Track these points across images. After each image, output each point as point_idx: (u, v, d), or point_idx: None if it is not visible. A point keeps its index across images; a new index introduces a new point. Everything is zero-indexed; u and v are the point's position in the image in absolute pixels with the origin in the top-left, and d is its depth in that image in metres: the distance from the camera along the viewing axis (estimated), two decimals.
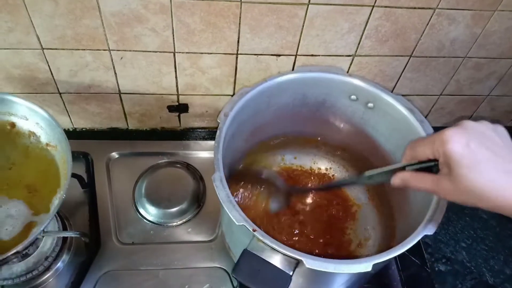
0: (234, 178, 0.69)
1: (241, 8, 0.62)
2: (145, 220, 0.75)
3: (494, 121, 0.44)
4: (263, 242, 0.49)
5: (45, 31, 0.64)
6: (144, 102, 0.79)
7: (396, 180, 0.48)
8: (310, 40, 0.68)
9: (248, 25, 0.65)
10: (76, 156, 0.77)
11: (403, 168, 0.48)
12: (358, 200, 0.77)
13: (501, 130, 0.43)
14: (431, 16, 0.66)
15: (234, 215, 0.50)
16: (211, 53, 0.69)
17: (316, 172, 0.81)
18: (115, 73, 0.72)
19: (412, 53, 0.72)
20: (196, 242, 0.73)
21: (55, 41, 0.65)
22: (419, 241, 0.50)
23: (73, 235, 0.69)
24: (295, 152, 0.81)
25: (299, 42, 0.68)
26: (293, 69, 0.73)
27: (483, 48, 0.73)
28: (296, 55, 0.71)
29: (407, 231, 0.52)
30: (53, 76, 0.71)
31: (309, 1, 0.62)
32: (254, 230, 0.49)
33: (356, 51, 0.71)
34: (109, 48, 0.67)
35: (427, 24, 0.67)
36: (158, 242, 0.72)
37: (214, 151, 0.56)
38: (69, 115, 0.80)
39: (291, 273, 0.47)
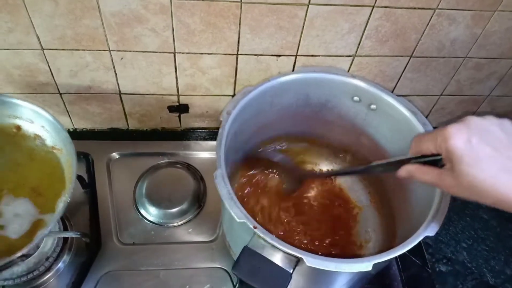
0: (248, 163, 0.72)
1: (241, 8, 0.62)
2: (145, 221, 0.75)
3: (500, 115, 0.44)
4: (264, 239, 0.48)
5: (45, 31, 0.64)
6: (145, 103, 0.79)
7: (402, 172, 0.49)
8: (310, 40, 0.68)
9: (248, 25, 0.65)
10: (77, 156, 0.77)
11: (409, 160, 0.48)
12: (360, 202, 0.77)
13: (507, 125, 0.43)
14: (431, 17, 0.66)
15: (235, 212, 0.50)
16: (211, 54, 0.69)
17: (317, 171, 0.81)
18: (115, 74, 0.72)
19: (413, 53, 0.72)
20: (197, 243, 0.73)
21: (55, 41, 0.65)
22: (419, 242, 0.50)
23: (73, 236, 0.69)
24: (297, 154, 0.81)
25: (299, 42, 0.68)
26: (293, 70, 0.73)
27: (484, 49, 0.73)
28: (296, 56, 0.71)
29: (408, 233, 0.52)
30: (53, 77, 0.71)
31: (309, 1, 0.62)
32: (255, 227, 0.49)
33: (356, 52, 0.71)
34: (109, 48, 0.67)
35: (427, 25, 0.67)
36: (158, 242, 0.72)
37: (216, 148, 0.56)
38: (69, 116, 0.80)
39: (291, 271, 0.47)
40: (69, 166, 0.63)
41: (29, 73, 0.70)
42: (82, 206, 0.74)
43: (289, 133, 0.77)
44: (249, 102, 0.63)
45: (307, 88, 0.69)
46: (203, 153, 0.85)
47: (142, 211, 0.76)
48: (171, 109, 0.81)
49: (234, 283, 0.68)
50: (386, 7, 0.63)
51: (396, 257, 0.51)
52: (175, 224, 0.75)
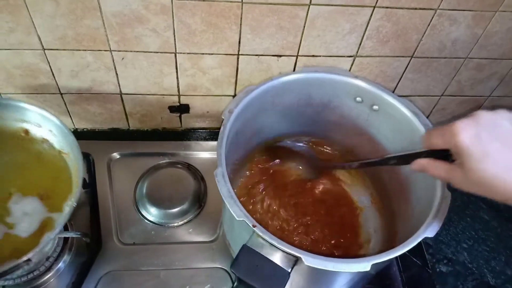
0: (266, 153, 0.75)
1: (242, 8, 0.62)
2: (146, 221, 0.75)
3: None
4: (263, 238, 0.49)
5: (46, 32, 0.64)
6: (145, 103, 0.79)
7: (415, 165, 0.49)
8: (311, 40, 0.68)
9: (249, 25, 0.65)
10: None
11: (421, 154, 0.48)
12: (361, 203, 0.77)
13: None
14: (432, 17, 0.66)
15: (234, 210, 0.50)
16: (212, 54, 0.69)
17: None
18: (116, 74, 0.72)
19: (413, 53, 0.72)
20: (197, 243, 0.73)
21: (56, 41, 0.65)
22: (420, 242, 0.50)
23: (74, 236, 0.69)
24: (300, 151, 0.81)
25: (300, 42, 0.68)
26: (294, 70, 0.73)
27: (485, 49, 0.73)
28: (297, 56, 0.71)
29: (408, 234, 0.52)
30: (54, 77, 0.71)
31: (310, 1, 0.62)
32: (254, 226, 0.49)
33: (357, 52, 0.71)
34: (110, 48, 0.67)
35: (428, 25, 0.67)
36: (159, 242, 0.72)
37: (217, 146, 0.56)
38: (70, 116, 0.80)
39: (289, 270, 0.47)
40: (76, 170, 0.63)
41: (30, 73, 0.70)
42: (82, 206, 0.74)
43: (291, 133, 0.77)
44: (251, 101, 0.63)
45: (309, 88, 0.69)
46: (203, 153, 0.85)
47: (143, 211, 0.76)
48: (172, 109, 0.81)
49: (233, 280, 0.68)
50: (387, 7, 0.63)
51: (396, 258, 0.51)
52: (175, 224, 0.75)
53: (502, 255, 0.73)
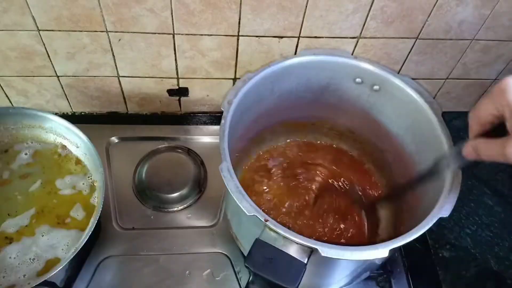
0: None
1: None
2: (145, 205, 0.74)
3: None
4: (276, 232, 0.48)
5: (41, 12, 0.62)
6: (144, 86, 0.77)
7: (467, 150, 0.43)
8: (314, 21, 0.66)
9: (249, 5, 0.63)
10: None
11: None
12: None
13: None
14: None
15: (244, 206, 0.49)
16: (211, 35, 0.67)
17: (320, 149, 0.80)
18: (113, 56, 0.70)
19: (419, 35, 0.70)
20: (197, 228, 0.72)
21: (51, 22, 0.64)
22: None
23: None
24: (299, 138, 0.80)
25: (302, 23, 0.66)
26: (295, 52, 0.72)
27: (492, 30, 0.71)
28: (299, 37, 0.69)
29: (416, 217, 0.51)
30: (50, 59, 0.70)
31: None
32: (266, 220, 0.48)
33: (361, 33, 0.69)
34: (106, 29, 0.65)
35: (434, 5, 0.65)
36: (158, 227, 0.72)
37: (219, 140, 0.55)
38: (67, 99, 0.79)
39: (305, 261, 0.47)
40: (98, 203, 0.64)
41: (26, 55, 0.69)
42: None
43: (291, 118, 0.76)
44: (250, 89, 0.62)
45: (308, 72, 0.68)
46: (203, 137, 0.84)
47: (142, 196, 0.75)
48: (171, 92, 0.79)
49: (236, 271, 0.67)
50: None
51: None
52: (175, 209, 0.74)
53: (506, 240, 0.72)
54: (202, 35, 0.67)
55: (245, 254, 0.61)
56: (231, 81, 0.78)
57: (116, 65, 0.72)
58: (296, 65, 0.66)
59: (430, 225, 0.49)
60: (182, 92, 0.79)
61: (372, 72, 0.65)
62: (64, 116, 0.71)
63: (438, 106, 0.60)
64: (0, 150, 0.69)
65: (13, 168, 0.68)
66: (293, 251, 0.47)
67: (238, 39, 0.69)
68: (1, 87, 0.75)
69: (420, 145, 0.63)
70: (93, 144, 0.64)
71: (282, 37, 0.69)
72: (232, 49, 0.70)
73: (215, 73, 0.75)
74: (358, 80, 0.66)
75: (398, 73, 0.64)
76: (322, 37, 0.69)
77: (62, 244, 0.61)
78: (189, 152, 0.81)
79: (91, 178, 0.68)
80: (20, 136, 0.69)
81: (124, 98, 0.80)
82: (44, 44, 0.67)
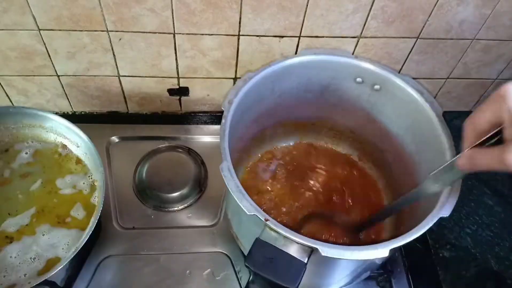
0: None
1: None
2: (146, 205, 0.74)
3: None
4: (276, 231, 0.48)
5: (41, 12, 0.62)
6: (144, 86, 0.77)
7: (461, 161, 0.41)
8: (314, 20, 0.66)
9: (250, 5, 0.63)
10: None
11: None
12: None
13: None
14: None
15: (245, 205, 0.49)
16: (212, 35, 0.67)
17: (320, 151, 0.80)
18: (114, 55, 0.70)
19: (419, 34, 0.70)
20: (198, 227, 0.72)
21: (52, 22, 0.64)
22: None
23: None
24: (300, 138, 0.80)
25: (303, 23, 0.66)
26: (296, 51, 0.71)
27: (492, 30, 0.71)
28: (299, 37, 0.69)
29: (416, 217, 0.51)
30: (50, 58, 0.70)
31: None
32: (266, 220, 0.48)
33: (361, 33, 0.69)
34: (107, 29, 0.65)
35: (435, 5, 0.65)
36: (159, 227, 0.72)
37: (220, 140, 0.55)
38: (68, 98, 0.79)
39: (305, 261, 0.47)
40: (98, 202, 0.64)
41: (26, 55, 0.69)
42: None
43: (291, 118, 0.76)
44: (250, 89, 0.62)
45: (309, 71, 0.67)
46: (204, 137, 0.84)
47: (142, 195, 0.75)
48: (171, 92, 0.79)
49: (237, 271, 0.67)
50: None
51: None
52: (175, 208, 0.74)
53: (506, 240, 0.72)
54: (202, 34, 0.67)
55: (246, 253, 0.61)
56: (232, 80, 0.78)
57: (116, 65, 0.72)
58: (297, 64, 0.66)
59: (430, 225, 0.49)
60: (182, 91, 0.79)
61: (373, 72, 0.65)
62: (65, 115, 0.71)
63: (439, 106, 0.60)
64: (0, 149, 0.69)
65: (14, 168, 0.68)
66: (293, 250, 0.47)
67: (238, 39, 0.69)
68: (2, 86, 0.75)
69: (420, 145, 0.63)
70: (93, 143, 0.64)
71: (282, 36, 0.69)
72: (232, 49, 0.70)
73: (216, 72, 0.75)
74: (358, 79, 0.66)
75: (399, 72, 0.64)
76: (323, 37, 0.69)
77: (63, 244, 0.61)
78: (190, 151, 0.81)
79: (91, 178, 0.68)
80: (20, 136, 0.69)
81: (124, 97, 0.80)
82: (44, 44, 0.67)
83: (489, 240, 0.72)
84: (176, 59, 0.72)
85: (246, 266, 0.47)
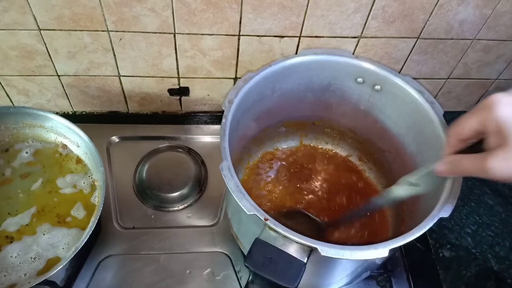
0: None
1: None
2: (146, 205, 0.74)
3: None
4: (276, 231, 0.48)
5: (42, 11, 0.62)
6: (144, 85, 0.77)
7: (441, 167, 0.43)
8: (315, 20, 0.66)
9: (250, 4, 0.63)
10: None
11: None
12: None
13: None
14: None
15: (244, 205, 0.49)
16: (212, 34, 0.67)
17: (320, 152, 0.80)
18: (114, 55, 0.70)
19: (420, 34, 0.70)
20: (198, 227, 0.72)
21: (52, 21, 0.64)
22: None
23: None
24: (300, 137, 0.80)
25: (303, 23, 0.66)
26: (297, 51, 0.71)
27: (493, 30, 0.71)
28: (300, 37, 0.69)
29: (416, 218, 0.51)
30: (51, 58, 0.70)
31: None
32: (266, 219, 0.48)
33: (362, 33, 0.69)
34: (107, 29, 0.65)
35: (436, 5, 0.65)
36: (159, 226, 0.72)
37: (220, 139, 0.55)
38: (68, 98, 0.79)
39: (305, 261, 0.47)
40: (99, 201, 0.64)
41: (26, 55, 0.69)
42: None
43: (292, 118, 0.76)
44: (251, 89, 0.62)
45: (309, 71, 0.67)
46: (204, 137, 0.84)
47: (143, 195, 0.75)
48: (172, 92, 0.79)
49: (237, 270, 0.67)
50: None
51: None
52: (175, 208, 0.74)
53: (507, 240, 0.72)
54: (203, 34, 0.67)
55: (246, 253, 0.61)
56: (232, 80, 0.78)
57: (117, 65, 0.72)
58: (297, 64, 0.66)
59: (430, 225, 0.49)
60: (183, 91, 0.79)
61: (373, 72, 0.65)
62: (65, 115, 0.71)
63: (440, 106, 0.60)
64: (0, 149, 0.69)
65: (14, 167, 0.68)
66: (292, 250, 0.47)
67: (239, 39, 0.69)
68: (2, 86, 0.75)
69: (421, 145, 0.63)
70: (93, 143, 0.64)
71: (283, 36, 0.69)
72: (233, 49, 0.70)
73: (216, 72, 0.75)
74: (359, 80, 0.66)
75: (399, 72, 0.64)
76: (323, 37, 0.69)
77: (63, 243, 0.61)
78: (190, 151, 0.81)
79: (91, 177, 0.68)
80: (21, 135, 0.69)
81: (125, 97, 0.80)
82: (45, 44, 0.67)
83: (489, 240, 0.72)
84: (176, 59, 0.72)
85: (246, 266, 0.47)
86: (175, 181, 0.76)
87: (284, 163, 0.77)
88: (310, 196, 0.74)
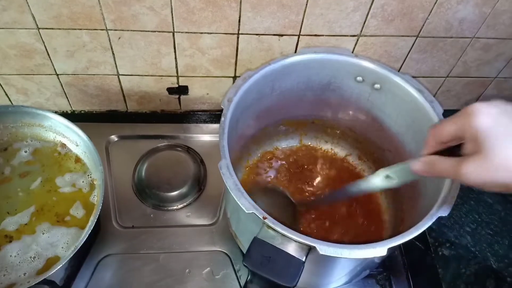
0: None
1: None
2: (145, 204, 0.74)
3: (507, 99, 0.41)
4: (274, 230, 0.47)
5: (40, 10, 0.62)
6: (143, 84, 0.77)
7: (418, 165, 0.44)
8: (314, 19, 0.66)
9: (250, 3, 0.63)
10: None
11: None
12: None
13: None
14: None
15: (243, 203, 0.49)
16: (211, 33, 0.67)
17: (320, 152, 0.80)
18: (113, 54, 0.70)
19: (419, 33, 0.70)
20: (197, 226, 0.72)
21: (51, 20, 0.63)
22: None
23: None
24: (300, 136, 0.80)
25: (302, 21, 0.66)
26: (296, 50, 0.71)
27: (492, 28, 0.71)
28: (299, 35, 0.69)
29: (416, 216, 0.51)
30: (49, 57, 0.70)
31: None
32: (264, 218, 0.48)
33: (361, 31, 0.69)
34: (106, 27, 0.65)
35: (435, 3, 0.65)
36: (158, 225, 0.72)
37: (219, 137, 0.55)
38: (67, 97, 0.79)
39: (303, 259, 0.47)
40: (98, 200, 0.64)
41: (25, 53, 0.69)
42: None
43: (291, 117, 0.76)
44: (250, 87, 0.62)
45: (308, 70, 0.67)
46: (203, 136, 0.84)
47: (142, 194, 0.75)
48: (171, 90, 0.79)
49: (236, 269, 0.67)
50: None
51: None
52: (175, 207, 0.74)
53: (506, 238, 0.72)
54: (202, 33, 0.67)
55: (245, 252, 0.61)
56: (231, 79, 0.77)
57: (115, 63, 0.72)
58: (297, 63, 0.65)
59: (429, 224, 0.49)
60: (182, 90, 0.79)
61: (373, 71, 0.65)
62: (64, 114, 0.71)
63: (439, 105, 0.60)
64: None
65: (13, 166, 0.68)
66: (291, 249, 0.47)
67: (238, 37, 0.68)
68: (1, 85, 0.74)
69: (420, 144, 0.63)
70: (92, 142, 0.64)
71: (282, 35, 0.68)
72: (232, 47, 0.70)
73: (215, 71, 0.75)
74: (359, 78, 0.66)
75: (399, 71, 0.64)
76: (323, 35, 0.69)
77: (62, 242, 0.61)
78: (189, 150, 0.81)
79: (90, 176, 0.68)
80: (19, 134, 0.69)
81: (123, 96, 0.80)
82: (43, 42, 0.67)
83: (488, 239, 0.72)
84: (175, 57, 0.72)
85: (245, 265, 0.47)
86: (174, 180, 0.76)
87: (283, 162, 0.77)
88: (311, 197, 0.74)
